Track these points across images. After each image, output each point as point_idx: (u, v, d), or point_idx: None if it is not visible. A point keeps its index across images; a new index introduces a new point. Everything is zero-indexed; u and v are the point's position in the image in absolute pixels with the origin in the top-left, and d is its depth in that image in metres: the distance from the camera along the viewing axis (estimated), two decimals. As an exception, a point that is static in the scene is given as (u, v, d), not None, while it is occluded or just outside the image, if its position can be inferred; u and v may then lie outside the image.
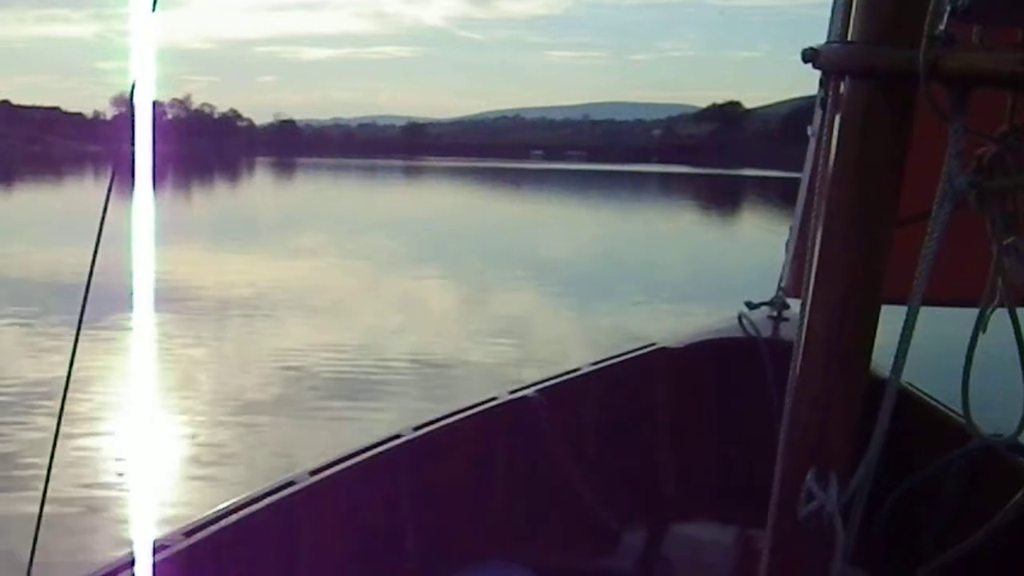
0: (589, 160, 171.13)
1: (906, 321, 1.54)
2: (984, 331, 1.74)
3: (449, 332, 14.24)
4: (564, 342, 12.78)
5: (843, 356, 1.61)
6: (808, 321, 1.64)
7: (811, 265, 1.62)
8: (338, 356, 12.19)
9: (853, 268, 1.59)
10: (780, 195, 45.22)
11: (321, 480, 2.98)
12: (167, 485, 7.50)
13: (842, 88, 1.57)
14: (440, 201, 56.72)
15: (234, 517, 2.68)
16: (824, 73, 1.63)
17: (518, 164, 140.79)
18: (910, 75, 1.46)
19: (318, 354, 12.22)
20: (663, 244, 30.71)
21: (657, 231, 36.70)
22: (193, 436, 8.93)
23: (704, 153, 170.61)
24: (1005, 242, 1.63)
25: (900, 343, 1.55)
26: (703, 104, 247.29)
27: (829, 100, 1.60)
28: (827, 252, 1.61)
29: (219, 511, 2.70)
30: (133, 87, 1.67)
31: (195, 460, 8.27)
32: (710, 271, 21.84)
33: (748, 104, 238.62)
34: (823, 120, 1.61)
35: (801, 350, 1.64)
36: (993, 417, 2.13)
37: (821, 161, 1.61)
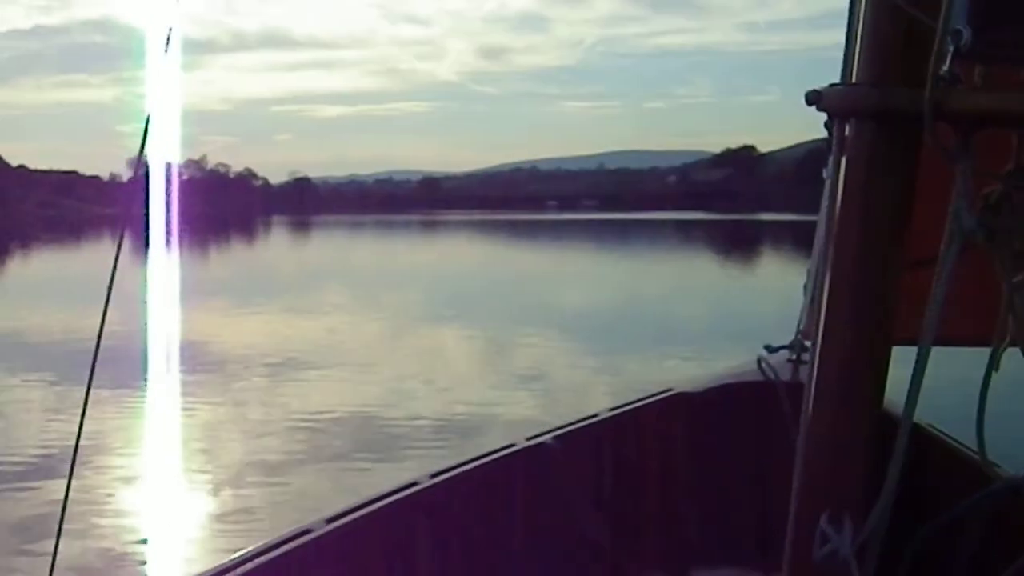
0: (602, 209, 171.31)
1: (917, 362, 1.54)
2: (996, 370, 1.73)
3: (472, 386, 14.24)
4: (587, 393, 12.75)
5: (854, 398, 1.61)
6: (819, 363, 1.64)
7: (821, 307, 1.62)
8: (362, 413, 12.18)
9: (863, 309, 1.59)
10: (795, 238, 45.20)
11: (338, 528, 2.96)
12: (192, 544, 7.50)
13: (847, 130, 1.58)
14: (458, 255, 56.90)
15: (250, 565, 2.68)
16: (829, 116, 1.64)
17: (534, 216, 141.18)
18: (915, 116, 1.46)
19: (341, 411, 12.21)
20: (681, 292, 30.68)
21: (674, 279, 36.70)
22: (217, 495, 8.94)
23: (719, 198, 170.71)
24: (1015, 280, 1.63)
25: (911, 384, 1.55)
26: (717, 150, 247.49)
27: (834, 143, 1.60)
28: (836, 294, 1.61)
29: (235, 559, 2.69)
30: (142, 146, 1.70)
31: (220, 518, 8.27)
32: (729, 317, 21.80)
33: (762, 148, 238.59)
34: (831, 162, 1.62)
35: (813, 392, 1.64)
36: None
37: (828, 203, 1.61)
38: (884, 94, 1.53)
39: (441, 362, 16.71)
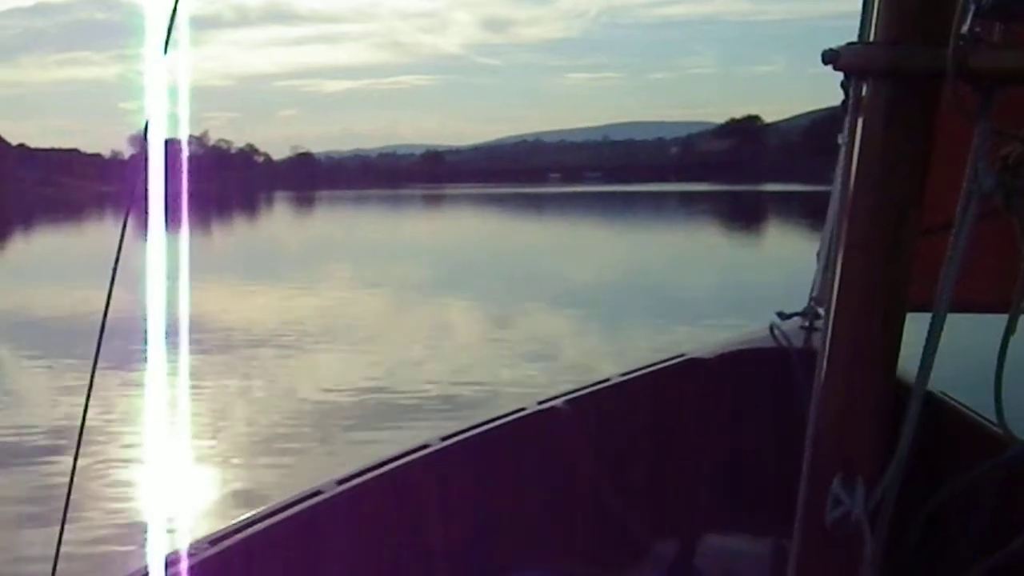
0: (606, 180, 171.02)
1: (931, 328, 1.53)
2: (1014, 332, 1.72)
3: (480, 357, 14.25)
4: (594, 363, 12.76)
5: (868, 363, 1.60)
6: (833, 328, 1.63)
7: (835, 271, 1.61)
8: (371, 385, 12.20)
9: (877, 274, 1.58)
10: (801, 210, 45.15)
11: (348, 489, 2.97)
12: (203, 516, 7.51)
13: (864, 90, 1.56)
14: (462, 228, 56.88)
15: (260, 526, 2.68)
16: (846, 75, 1.62)
17: (539, 188, 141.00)
18: (935, 75, 1.45)
19: (350, 384, 12.23)
20: (687, 263, 30.65)
21: (680, 250, 36.67)
22: (227, 468, 8.96)
23: (724, 169, 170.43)
24: (1034, 242, 1.61)
25: (925, 350, 1.54)
26: (722, 120, 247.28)
27: (851, 103, 1.59)
28: (851, 258, 1.60)
29: (244, 520, 2.70)
30: (147, 125, 1.68)
31: (231, 491, 8.29)
32: (737, 288, 21.75)
33: (767, 118, 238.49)
34: (846, 124, 1.61)
35: (826, 356, 1.64)
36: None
37: (844, 165, 1.60)
38: (903, 52, 1.51)
39: (449, 335, 16.72)
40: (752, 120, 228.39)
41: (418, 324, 17.76)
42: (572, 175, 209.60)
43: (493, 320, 17.95)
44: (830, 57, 1.61)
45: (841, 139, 4.04)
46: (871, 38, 1.57)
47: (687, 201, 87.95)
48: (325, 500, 2.88)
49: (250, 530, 2.66)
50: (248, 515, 2.73)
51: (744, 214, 63.97)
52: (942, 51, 1.43)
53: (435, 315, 19.01)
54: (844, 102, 1.62)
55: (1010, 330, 1.71)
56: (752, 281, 22.21)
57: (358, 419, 10.68)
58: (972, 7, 1.43)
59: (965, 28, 1.44)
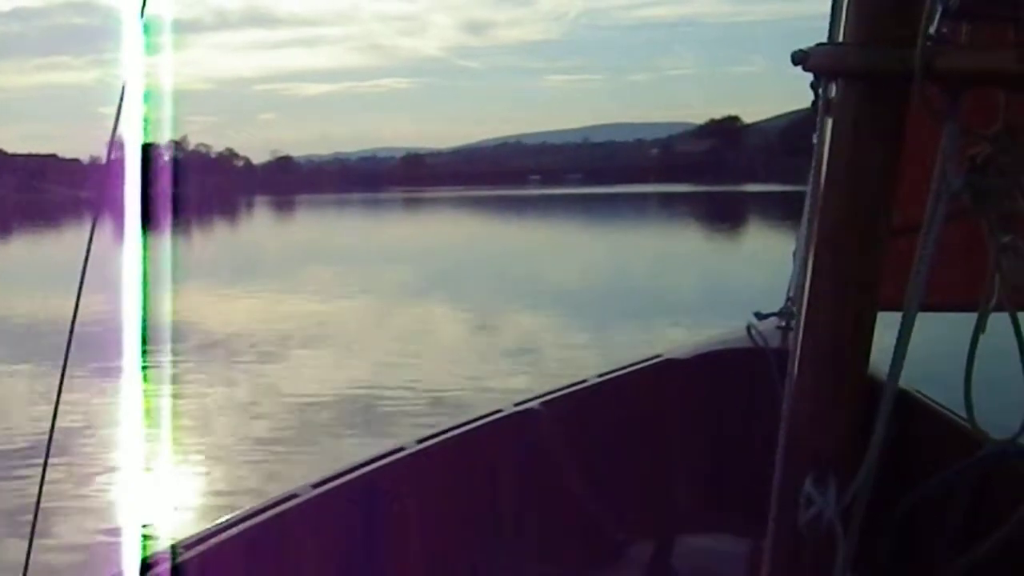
0: (587, 182, 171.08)
1: (902, 327, 1.54)
2: (983, 332, 1.73)
3: (463, 361, 14.24)
4: (578, 367, 12.72)
5: (839, 362, 1.61)
6: (804, 327, 1.64)
7: (807, 272, 1.62)
8: (352, 390, 12.18)
9: (848, 274, 1.59)
10: (781, 209, 45.18)
11: (324, 493, 2.97)
12: (185, 521, 7.49)
13: (833, 91, 1.58)
14: (444, 232, 56.80)
15: (235, 530, 2.68)
16: (815, 76, 1.63)
17: (520, 191, 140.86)
18: (903, 76, 1.46)
19: (331, 389, 12.21)
20: (669, 264, 30.68)
21: (662, 251, 36.70)
22: (209, 474, 8.94)
23: (704, 170, 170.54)
24: (1002, 241, 1.63)
25: (896, 349, 1.55)
26: (702, 121, 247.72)
27: (820, 104, 1.60)
28: (822, 258, 1.61)
29: (220, 524, 2.70)
30: (115, 128, 1.68)
31: (213, 495, 8.28)
32: (718, 288, 21.80)
33: (747, 119, 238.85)
34: (817, 124, 1.61)
35: (798, 356, 1.65)
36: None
37: (815, 166, 1.61)
38: (872, 53, 1.53)
39: (432, 338, 16.71)
40: (732, 121, 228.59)
41: (400, 328, 17.75)
42: (553, 177, 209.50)
43: (476, 323, 17.94)
44: (800, 58, 1.62)
45: (816, 139, 4.08)
46: (840, 39, 1.58)
47: (668, 202, 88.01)
48: (301, 504, 2.88)
49: (225, 534, 2.66)
50: (224, 519, 2.73)
51: (724, 215, 64.02)
52: (910, 52, 1.44)
53: (417, 319, 19.00)
54: (814, 103, 1.63)
55: (979, 329, 1.73)
56: (733, 281, 22.23)
57: (341, 424, 10.67)
58: (939, 8, 1.44)
59: (933, 29, 1.45)
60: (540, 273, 27.60)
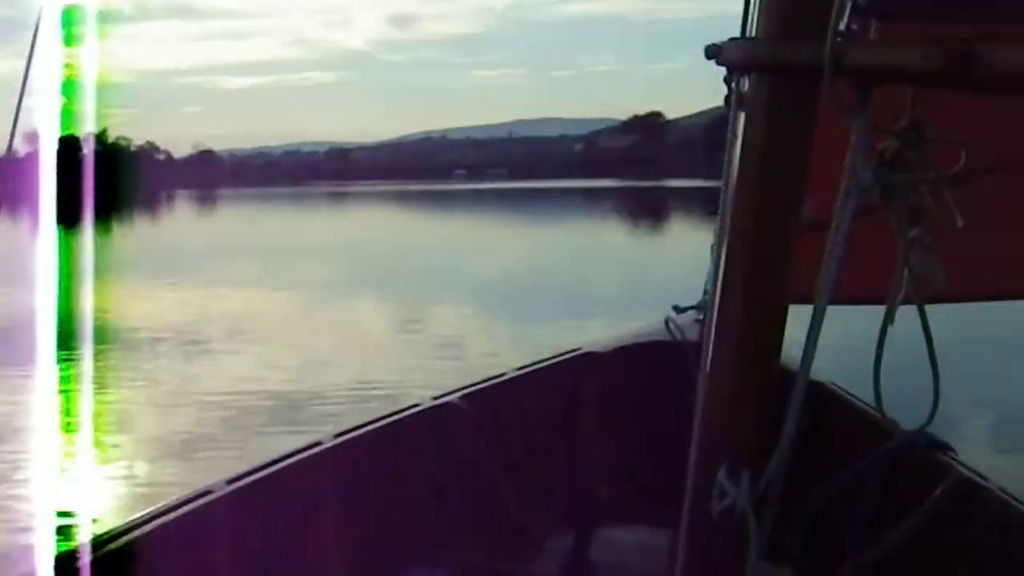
0: (511, 177, 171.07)
1: (813, 319, 1.56)
2: (892, 323, 1.77)
3: (389, 355, 14.19)
4: (504, 360, 12.67)
5: (751, 354, 1.63)
6: (717, 320, 1.66)
7: (719, 264, 1.64)
8: (277, 385, 12.09)
9: (759, 266, 1.61)
10: (703, 203, 45.48)
11: (239, 488, 2.93)
12: (108, 519, 7.41)
13: (746, 85, 1.60)
14: (369, 226, 56.44)
15: (148, 527, 2.65)
16: (728, 70, 1.65)
17: (445, 185, 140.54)
18: (814, 71, 1.47)
19: (256, 385, 12.11)
20: (593, 259, 30.75)
21: (586, 245, 36.78)
22: (127, 470, 8.84)
23: (628, 165, 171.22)
24: (909, 235, 1.66)
25: (807, 341, 1.57)
26: (625, 117, 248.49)
27: (733, 98, 1.62)
28: (734, 251, 1.63)
29: (133, 521, 2.67)
30: (15, 120, 1.66)
31: (136, 494, 8.18)
32: (642, 281, 21.88)
33: (669, 115, 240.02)
34: (730, 118, 1.63)
35: (711, 348, 1.66)
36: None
37: (727, 160, 1.63)
38: (783, 48, 1.55)
39: (357, 333, 16.62)
40: (654, 117, 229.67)
41: (325, 323, 17.64)
42: (478, 172, 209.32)
43: (401, 318, 17.87)
44: (713, 52, 1.64)
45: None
46: (753, 34, 1.60)
47: (591, 197, 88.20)
48: (215, 500, 2.85)
49: (140, 531, 2.62)
50: (138, 516, 2.70)
51: (647, 209, 64.24)
52: (820, 48, 1.45)
53: (342, 314, 18.89)
54: (727, 97, 1.65)
55: (887, 321, 1.76)
56: (656, 275, 22.35)
57: (265, 419, 10.59)
58: (849, 5, 1.46)
59: (843, 26, 1.47)
60: (465, 268, 27.55)
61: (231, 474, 3.00)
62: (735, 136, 1.61)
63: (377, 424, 3.54)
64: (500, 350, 14.03)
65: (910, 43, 1.49)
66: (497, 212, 68.75)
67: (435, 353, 14.24)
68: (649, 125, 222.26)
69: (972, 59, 1.31)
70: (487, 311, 18.63)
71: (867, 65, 1.47)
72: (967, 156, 1.64)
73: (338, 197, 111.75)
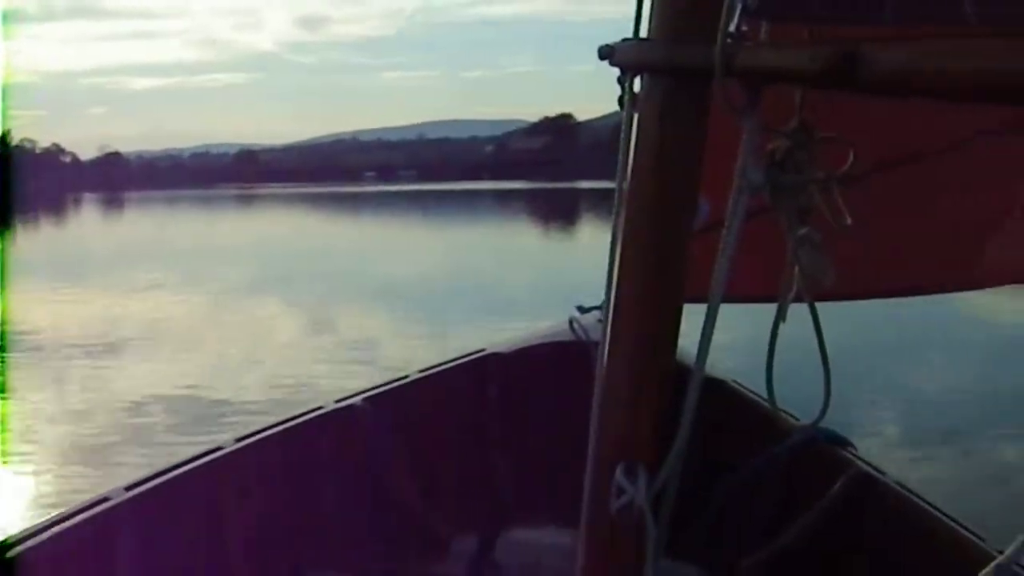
0: (422, 179, 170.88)
1: (706, 318, 1.58)
2: (784, 321, 1.79)
3: (301, 359, 14.09)
4: (415, 363, 12.57)
5: (647, 353, 1.64)
6: (613, 319, 1.67)
7: (613, 264, 1.65)
8: (185, 391, 11.95)
9: (653, 265, 1.62)
10: (612, 205, 45.64)
11: (138, 495, 2.88)
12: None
13: (638, 86, 1.61)
14: (277, 229, 55.97)
15: (44, 535, 2.59)
16: (622, 71, 1.65)
17: (355, 188, 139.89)
18: (705, 72, 1.49)
19: (164, 390, 11.96)
20: (503, 260, 30.80)
21: (496, 247, 36.83)
22: (33, 478, 8.70)
23: (538, 167, 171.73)
24: (799, 234, 1.69)
25: (701, 338, 1.59)
26: (536, 119, 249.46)
27: (626, 99, 1.63)
28: (629, 250, 1.64)
29: (26, 531, 2.60)
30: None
31: (35, 499, 8.06)
32: (551, 283, 21.93)
33: (580, 116, 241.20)
34: (623, 119, 1.64)
35: (607, 347, 1.67)
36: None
37: (621, 160, 1.64)
38: (675, 49, 1.56)
39: (267, 337, 16.47)
40: (565, 118, 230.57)
41: (234, 327, 17.47)
42: (388, 174, 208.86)
43: (311, 321, 17.76)
44: (606, 53, 1.65)
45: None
46: (645, 34, 1.61)
47: (502, 199, 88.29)
48: (112, 507, 2.78)
49: (32, 541, 2.56)
50: (35, 524, 2.64)
51: (558, 211, 64.46)
52: (711, 49, 1.47)
53: (252, 318, 18.72)
54: (621, 98, 1.65)
55: (779, 319, 1.79)
56: (566, 276, 22.42)
57: (173, 425, 10.46)
58: (739, 6, 1.48)
59: (733, 27, 1.49)
60: (376, 270, 27.45)
61: (129, 481, 2.94)
62: (628, 136, 1.63)
63: (279, 428, 3.49)
64: (413, 353, 14.01)
65: (798, 44, 1.51)
66: (408, 214, 68.62)
67: (346, 356, 14.17)
68: (560, 127, 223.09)
69: (857, 60, 1.32)
70: (399, 314, 18.57)
71: (756, 66, 1.49)
72: (855, 156, 1.67)
73: (247, 200, 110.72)
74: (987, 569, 1.35)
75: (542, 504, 4.01)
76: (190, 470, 3.07)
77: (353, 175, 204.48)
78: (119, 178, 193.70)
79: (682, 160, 1.60)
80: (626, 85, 1.63)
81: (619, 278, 1.65)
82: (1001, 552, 1.34)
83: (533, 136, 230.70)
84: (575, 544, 1.74)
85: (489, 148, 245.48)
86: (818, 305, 1.81)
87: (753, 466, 2.94)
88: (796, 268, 1.73)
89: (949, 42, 1.27)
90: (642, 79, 1.61)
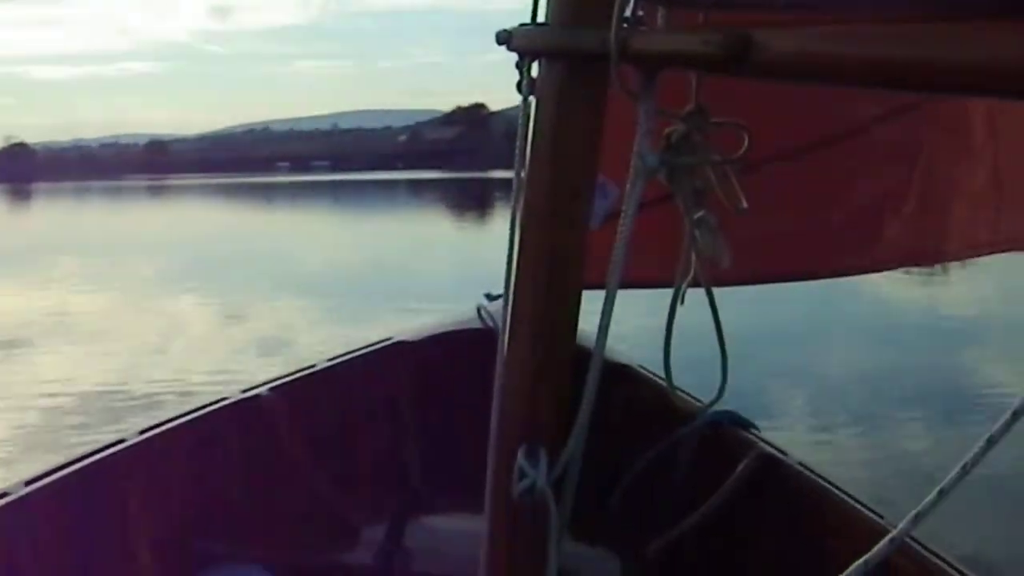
0: (335, 169, 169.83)
1: (604, 304, 1.60)
2: (682, 303, 1.82)
3: (215, 352, 13.95)
4: (329, 353, 12.50)
5: (546, 338, 1.66)
6: (513, 304, 1.68)
7: (513, 249, 1.66)
8: (100, 384, 11.78)
9: (551, 250, 1.63)
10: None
11: (37, 490, 2.79)
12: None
13: (536, 71, 1.62)
14: (189, 220, 55.29)
15: None
16: (520, 56, 1.66)
17: (268, 178, 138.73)
18: (601, 57, 1.50)
19: (79, 384, 11.78)
20: (417, 249, 30.74)
21: (410, 237, 36.76)
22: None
23: (452, 156, 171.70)
24: (696, 216, 1.71)
25: (600, 324, 1.60)
26: (449, 108, 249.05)
27: (524, 84, 1.64)
28: (527, 236, 1.65)
29: None
30: None
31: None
32: (465, 272, 21.93)
33: (493, 106, 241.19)
34: (521, 104, 1.65)
35: (507, 332, 1.69)
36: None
37: (519, 145, 1.65)
38: (571, 34, 1.57)
39: (181, 330, 16.29)
40: (478, 108, 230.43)
41: (147, 321, 17.24)
42: (301, 164, 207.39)
43: (226, 314, 17.59)
44: (504, 38, 1.65)
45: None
46: (542, 19, 1.62)
47: (416, 189, 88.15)
48: (11, 503, 2.71)
49: None
50: None
51: (471, 201, 64.39)
52: (606, 33, 1.48)
53: (165, 311, 18.48)
54: (519, 83, 1.66)
55: (675, 302, 1.82)
56: (480, 264, 22.43)
57: (85, 420, 10.31)
58: None
59: (628, 12, 1.50)
60: (290, 262, 27.25)
61: (28, 475, 2.87)
62: (526, 122, 1.63)
63: (184, 419, 3.43)
64: (327, 343, 13.93)
65: (692, 29, 1.53)
66: (321, 204, 68.21)
67: (261, 348, 14.06)
68: (473, 116, 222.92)
69: (750, 45, 1.34)
70: (314, 303, 18.46)
71: (651, 51, 1.51)
72: (750, 139, 1.69)
73: (158, 191, 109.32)
74: (881, 543, 1.39)
75: (453, 490, 4.00)
76: (93, 463, 3.00)
77: (266, 166, 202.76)
78: (26, 169, 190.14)
79: (580, 145, 1.61)
80: (523, 71, 1.64)
81: (519, 264, 1.66)
82: (894, 527, 1.38)
83: (447, 126, 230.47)
84: (481, 528, 1.75)
85: (403, 138, 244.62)
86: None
87: (661, 449, 2.97)
88: (693, 252, 1.75)
89: (842, 28, 1.30)
90: (539, 64, 1.62)
